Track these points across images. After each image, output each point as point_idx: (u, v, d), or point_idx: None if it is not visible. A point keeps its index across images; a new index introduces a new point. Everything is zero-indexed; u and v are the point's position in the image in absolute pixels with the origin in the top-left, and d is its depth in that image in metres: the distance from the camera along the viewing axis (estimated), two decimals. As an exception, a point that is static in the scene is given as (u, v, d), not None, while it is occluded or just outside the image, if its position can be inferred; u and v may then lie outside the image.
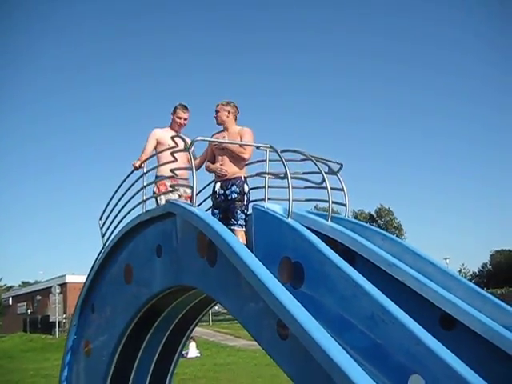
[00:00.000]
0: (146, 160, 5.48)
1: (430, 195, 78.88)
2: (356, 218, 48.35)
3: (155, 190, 5.50)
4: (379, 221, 55.73)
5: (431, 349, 2.87)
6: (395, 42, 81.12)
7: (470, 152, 78.72)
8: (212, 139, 5.08)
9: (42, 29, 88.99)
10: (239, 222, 4.75)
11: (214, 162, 5.12)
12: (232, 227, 4.66)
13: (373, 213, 57.39)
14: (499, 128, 73.81)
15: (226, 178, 4.96)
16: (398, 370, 3.03)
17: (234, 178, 4.94)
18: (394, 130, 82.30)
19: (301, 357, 3.20)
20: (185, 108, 5.85)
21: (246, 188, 4.96)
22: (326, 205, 4.69)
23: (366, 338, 3.26)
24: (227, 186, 4.94)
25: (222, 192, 4.95)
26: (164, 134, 5.73)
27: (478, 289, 3.93)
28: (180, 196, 5.37)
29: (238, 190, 4.89)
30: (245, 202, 4.90)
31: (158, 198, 5.44)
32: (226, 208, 4.91)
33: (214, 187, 5.07)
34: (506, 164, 75.01)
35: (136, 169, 5.49)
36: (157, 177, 5.52)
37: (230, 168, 4.97)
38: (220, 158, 5.05)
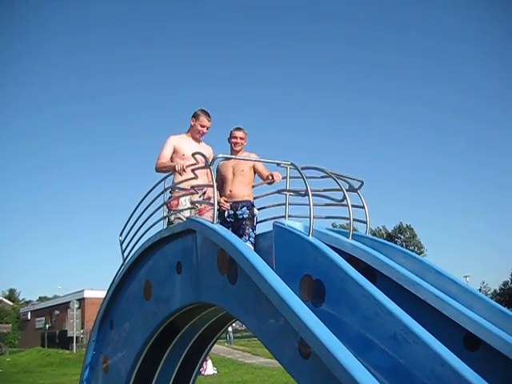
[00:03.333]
0: (187, 166, 4.78)
1: (449, 213, 78.10)
2: (374, 235, 47.87)
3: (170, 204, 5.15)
4: (398, 239, 55.22)
5: (456, 370, 2.81)
6: (422, 59, 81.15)
7: (490, 173, 78.18)
8: (234, 156, 5.25)
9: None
10: (251, 240, 4.89)
11: (220, 189, 5.21)
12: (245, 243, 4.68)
13: (392, 231, 56.94)
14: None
15: (235, 199, 5.12)
16: (422, 391, 2.97)
17: (245, 201, 5.14)
18: (413, 150, 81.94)
19: (323, 376, 3.15)
20: (208, 115, 5.36)
21: (256, 211, 5.15)
22: (344, 222, 4.67)
23: (389, 357, 3.20)
24: (237, 207, 5.10)
25: (232, 212, 5.10)
26: (181, 142, 5.30)
27: (501, 307, 3.85)
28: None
29: (247, 211, 5.06)
30: (254, 223, 5.07)
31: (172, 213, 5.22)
32: (236, 226, 5.01)
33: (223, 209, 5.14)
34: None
35: (179, 173, 4.84)
36: (172, 190, 5.15)
37: (239, 191, 5.17)
38: (230, 181, 5.22)
